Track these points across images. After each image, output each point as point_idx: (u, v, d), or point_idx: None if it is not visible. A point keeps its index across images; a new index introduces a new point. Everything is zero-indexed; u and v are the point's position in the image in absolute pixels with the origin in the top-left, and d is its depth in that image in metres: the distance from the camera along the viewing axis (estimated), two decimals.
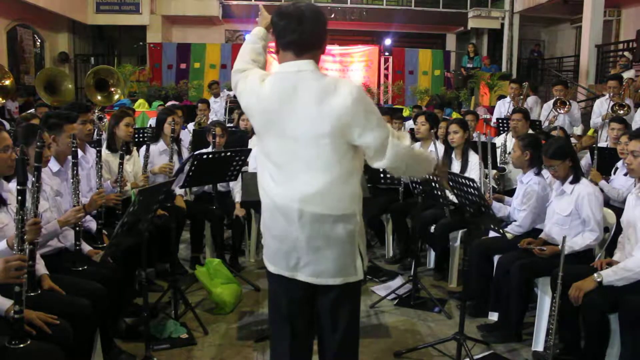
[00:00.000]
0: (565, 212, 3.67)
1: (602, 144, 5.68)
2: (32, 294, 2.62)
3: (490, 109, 11.06)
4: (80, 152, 3.99)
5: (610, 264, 3.27)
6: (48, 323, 2.48)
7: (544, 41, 18.61)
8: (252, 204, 5.06)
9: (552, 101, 7.41)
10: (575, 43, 16.38)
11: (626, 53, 11.76)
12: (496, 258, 3.99)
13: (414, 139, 5.92)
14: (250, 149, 5.02)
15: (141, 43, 15.74)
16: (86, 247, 3.41)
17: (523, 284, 3.63)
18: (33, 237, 2.57)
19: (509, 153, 5.86)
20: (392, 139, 2.11)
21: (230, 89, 13.30)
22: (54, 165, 3.57)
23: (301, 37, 2.10)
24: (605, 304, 3.05)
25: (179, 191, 4.85)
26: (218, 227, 4.93)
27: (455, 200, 3.94)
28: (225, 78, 14.17)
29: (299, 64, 2.11)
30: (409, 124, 8.20)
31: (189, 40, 16.50)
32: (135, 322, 3.72)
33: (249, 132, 6.16)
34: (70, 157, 3.59)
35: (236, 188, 5.11)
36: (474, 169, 4.87)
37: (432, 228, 4.79)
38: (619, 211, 3.94)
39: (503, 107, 8.01)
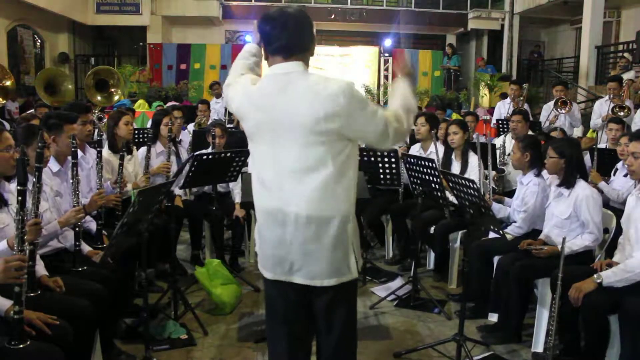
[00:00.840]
0: (564, 215, 3.67)
1: (601, 145, 5.68)
2: (31, 294, 2.62)
3: (491, 110, 11.07)
4: (80, 153, 4.00)
5: (610, 265, 3.27)
6: (48, 323, 2.48)
7: (544, 42, 18.60)
8: (252, 204, 5.06)
9: (552, 102, 7.42)
10: (575, 44, 16.37)
11: (626, 54, 11.76)
12: (496, 259, 3.99)
13: (414, 140, 5.92)
14: None
15: (141, 44, 15.74)
16: (86, 248, 3.41)
17: (523, 285, 3.63)
18: (33, 237, 2.57)
19: (509, 154, 5.86)
20: (391, 123, 2.14)
21: None
22: (54, 165, 3.57)
23: (288, 41, 2.11)
24: (605, 305, 3.05)
25: (178, 191, 4.85)
26: (218, 227, 4.93)
27: (455, 201, 3.94)
28: (225, 79, 14.15)
29: (288, 65, 2.12)
30: None
31: (189, 41, 16.51)
32: (134, 323, 3.72)
33: None
34: (70, 158, 3.59)
35: (236, 189, 5.11)
36: (473, 170, 4.87)
37: (432, 229, 4.80)
38: (618, 212, 3.95)
39: (503, 108, 8.02)
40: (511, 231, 4.08)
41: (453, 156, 5.13)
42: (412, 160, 4.38)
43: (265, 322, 2.47)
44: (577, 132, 7.82)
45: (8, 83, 8.33)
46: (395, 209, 5.35)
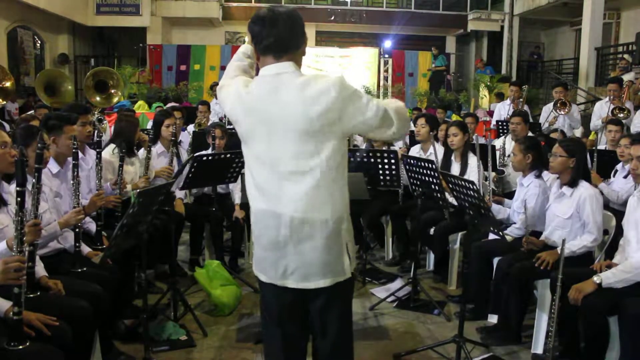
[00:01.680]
0: (566, 215, 3.67)
1: (600, 146, 5.68)
2: (31, 295, 2.63)
3: (490, 112, 11.08)
4: (79, 154, 4.00)
5: (609, 267, 3.27)
6: (47, 324, 2.48)
7: (544, 44, 18.64)
8: None
9: (551, 103, 7.42)
10: (575, 45, 16.40)
11: (626, 56, 11.77)
12: (496, 260, 3.99)
13: (414, 141, 5.93)
14: None
15: (141, 45, 15.76)
16: (85, 249, 3.41)
17: (522, 286, 3.63)
18: (33, 238, 2.57)
19: (509, 155, 5.86)
20: (391, 109, 2.10)
21: None
22: (53, 166, 3.56)
23: (276, 39, 2.09)
24: (605, 306, 3.05)
25: (179, 194, 4.85)
26: (217, 228, 4.93)
27: (455, 203, 3.94)
28: None
29: (278, 66, 2.11)
30: None
31: (189, 42, 16.54)
32: (134, 324, 3.71)
33: None
34: (69, 159, 3.60)
35: (236, 190, 5.11)
36: (473, 171, 4.87)
37: (432, 230, 4.79)
38: (617, 214, 3.95)
39: (503, 110, 8.02)
40: (511, 232, 4.09)
41: (453, 157, 5.13)
42: (411, 161, 4.38)
43: (261, 324, 2.48)
44: (576, 133, 7.81)
45: (8, 84, 8.33)
46: (395, 210, 5.35)
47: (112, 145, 4.47)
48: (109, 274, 3.28)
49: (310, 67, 14.54)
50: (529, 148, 4.12)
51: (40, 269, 2.90)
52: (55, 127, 3.56)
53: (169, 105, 10.15)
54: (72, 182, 3.35)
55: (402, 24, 16.60)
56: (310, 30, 17.29)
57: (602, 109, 7.07)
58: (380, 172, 4.71)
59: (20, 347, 2.29)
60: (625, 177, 4.64)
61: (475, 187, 3.35)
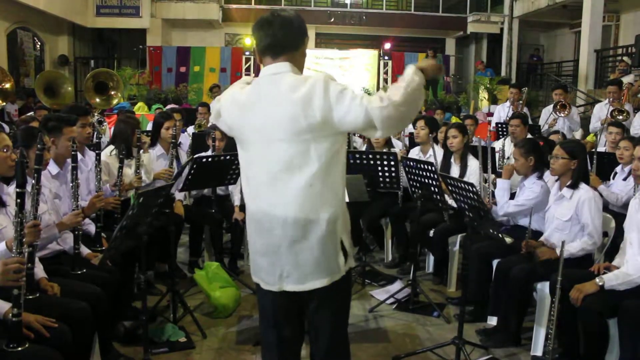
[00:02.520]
0: (565, 217, 3.67)
1: (600, 148, 5.69)
2: (30, 296, 2.62)
3: (490, 114, 11.08)
4: (79, 156, 4.00)
5: (608, 268, 3.27)
6: (46, 326, 2.48)
7: (543, 46, 18.66)
8: None
9: (551, 105, 7.43)
10: (575, 48, 16.43)
11: (625, 58, 11.78)
12: (495, 262, 3.98)
13: (414, 143, 5.93)
14: None
15: (141, 46, 15.78)
16: (85, 251, 3.41)
17: (522, 288, 3.62)
18: (32, 239, 2.57)
19: (508, 157, 5.86)
20: (374, 106, 1.98)
21: None
22: (53, 168, 3.56)
23: (273, 39, 2.13)
24: (605, 308, 3.05)
25: (178, 196, 4.84)
26: (217, 230, 4.92)
27: (455, 205, 3.94)
28: (224, 82, 14.22)
29: (276, 66, 2.15)
30: (408, 127, 8.20)
31: (188, 44, 16.56)
32: (133, 326, 3.70)
33: None
34: (69, 160, 3.60)
35: (235, 191, 5.11)
36: (473, 173, 4.87)
37: (431, 232, 4.79)
38: (617, 216, 3.95)
39: (502, 112, 8.03)
40: (498, 211, 4.16)
41: (452, 159, 5.13)
42: (411, 163, 4.39)
43: (259, 326, 2.49)
44: (576, 135, 7.82)
45: (8, 86, 8.34)
46: (394, 212, 5.34)
47: (111, 147, 4.47)
48: (109, 275, 3.27)
49: (310, 69, 14.55)
50: (529, 151, 4.12)
51: (39, 271, 2.90)
52: (55, 128, 3.56)
53: (169, 107, 10.15)
54: (71, 184, 3.35)
55: (401, 26, 16.62)
56: (310, 32, 17.08)
57: (601, 110, 7.08)
58: (380, 174, 4.71)
59: (20, 348, 2.28)
60: (624, 179, 4.64)
61: (474, 189, 3.35)
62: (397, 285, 4.76)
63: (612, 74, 11.27)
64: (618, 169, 4.81)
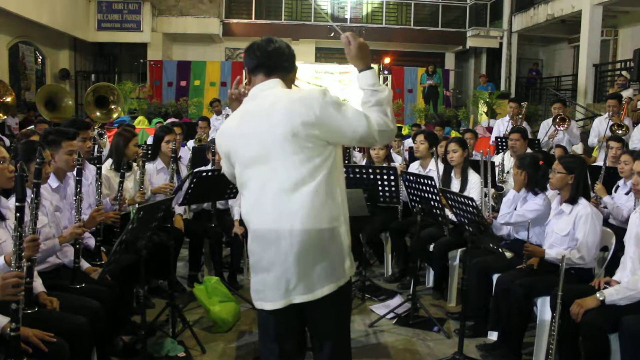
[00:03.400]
0: (564, 232, 3.67)
1: (600, 162, 5.69)
2: (29, 311, 2.61)
3: (489, 128, 11.12)
4: None
5: (608, 283, 3.26)
6: (45, 341, 2.47)
7: (542, 60, 18.74)
8: None
9: (550, 119, 7.45)
10: (573, 62, 16.49)
11: (624, 72, 11.84)
12: (495, 277, 3.97)
13: (413, 157, 5.93)
14: None
15: (142, 60, 15.85)
16: (84, 265, 3.40)
17: (523, 303, 3.61)
18: (31, 253, 2.56)
19: (507, 172, 5.87)
20: (372, 126, 2.12)
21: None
22: (53, 181, 3.57)
23: (260, 59, 2.22)
24: (606, 323, 3.04)
25: (178, 210, 4.84)
26: (217, 244, 4.91)
27: (454, 219, 3.93)
28: (224, 96, 14.22)
29: (267, 83, 2.21)
30: (408, 142, 8.23)
31: (189, 58, 16.63)
32: (132, 340, 3.69)
33: None
34: (69, 174, 3.61)
35: (235, 206, 5.11)
36: (473, 187, 4.87)
37: (431, 247, 4.78)
38: (618, 230, 3.95)
39: (502, 126, 8.05)
40: (499, 219, 4.12)
41: (452, 174, 5.13)
42: (411, 177, 4.39)
43: (258, 340, 2.46)
44: (576, 149, 7.84)
45: (9, 99, 8.37)
46: (394, 226, 5.34)
47: (110, 161, 4.48)
48: (108, 289, 3.26)
49: (310, 83, 14.61)
50: (523, 166, 4.12)
51: (38, 285, 2.89)
52: (54, 142, 3.56)
53: (169, 120, 10.19)
54: (74, 197, 3.36)
55: (401, 41, 16.70)
56: (309, 47, 17.41)
57: (601, 124, 7.10)
58: (380, 188, 4.71)
59: None
60: (626, 193, 4.65)
61: (474, 203, 3.35)
62: (397, 299, 4.74)
63: (611, 88, 11.31)
64: (620, 182, 4.81)
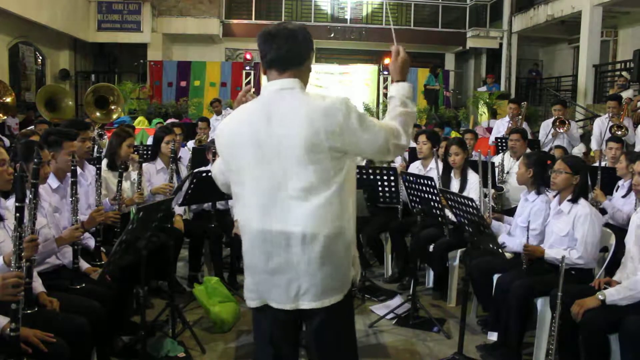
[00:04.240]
0: (563, 232, 3.66)
1: (597, 163, 5.68)
2: (28, 311, 2.61)
3: (489, 128, 11.11)
4: (78, 170, 4.00)
5: (609, 284, 3.26)
6: (45, 341, 2.47)
7: (542, 61, 18.75)
8: None
9: (550, 120, 7.45)
10: (573, 63, 16.50)
11: (624, 73, 11.84)
12: (495, 277, 3.97)
13: (413, 157, 5.93)
14: None
15: (142, 61, 15.84)
16: (84, 265, 3.40)
17: (523, 303, 3.61)
18: (30, 253, 2.56)
19: (507, 172, 5.87)
20: (390, 140, 2.14)
21: (231, 107, 13.40)
22: (53, 181, 3.57)
23: (277, 53, 2.11)
24: (606, 323, 3.04)
25: (178, 210, 4.84)
26: (217, 245, 4.91)
27: (454, 219, 3.93)
28: (224, 96, 14.28)
29: (282, 82, 2.12)
30: None
31: (189, 58, 16.63)
32: (132, 341, 3.69)
33: None
34: (69, 174, 3.60)
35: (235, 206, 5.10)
36: (473, 188, 4.87)
37: (431, 247, 4.78)
38: (617, 230, 3.95)
39: (502, 127, 8.05)
40: (508, 243, 4.07)
41: (452, 174, 5.13)
42: (411, 178, 4.39)
43: (254, 344, 2.42)
44: (576, 150, 7.84)
45: (9, 100, 8.37)
46: (394, 227, 5.34)
47: (106, 160, 4.50)
48: (107, 290, 3.27)
49: (311, 84, 14.54)
50: (532, 164, 4.10)
51: (38, 285, 2.89)
52: (55, 142, 3.57)
53: (169, 121, 10.19)
54: (71, 198, 3.35)
55: (401, 41, 16.64)
56: None
57: (602, 125, 7.11)
58: (380, 188, 4.71)
59: None
60: (623, 196, 4.65)
61: (474, 204, 3.34)
62: (397, 300, 4.74)
63: (611, 89, 11.31)
64: (620, 182, 4.81)
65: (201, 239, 5.00)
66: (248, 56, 14.91)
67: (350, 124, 2.04)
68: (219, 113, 11.33)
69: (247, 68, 14.82)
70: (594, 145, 7.33)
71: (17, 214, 2.32)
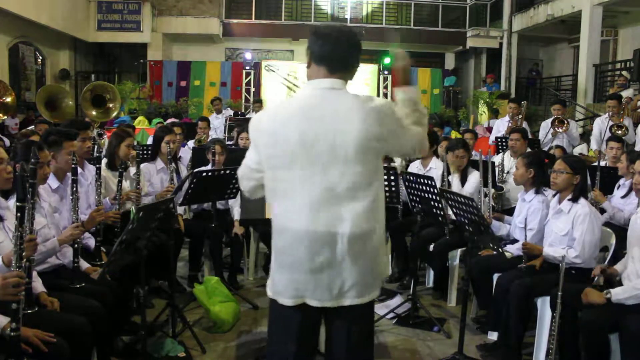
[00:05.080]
0: (563, 232, 3.66)
1: (601, 163, 5.68)
2: (29, 311, 2.61)
3: (489, 128, 11.12)
4: (78, 169, 4.00)
5: (604, 271, 3.29)
6: (45, 341, 2.47)
7: (542, 60, 18.75)
8: (251, 221, 5.06)
9: (550, 119, 7.45)
10: (573, 62, 16.50)
11: (624, 72, 11.84)
12: (495, 277, 3.97)
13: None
14: None
15: (142, 60, 15.85)
16: (84, 265, 3.40)
17: (523, 303, 3.60)
18: (30, 253, 2.56)
19: (507, 172, 5.87)
20: (420, 135, 2.27)
21: (232, 107, 13.41)
22: (53, 182, 3.57)
23: (336, 54, 2.14)
24: (606, 323, 3.04)
25: (178, 210, 4.84)
26: (217, 245, 4.91)
27: (454, 219, 3.93)
28: (224, 96, 14.28)
29: (332, 81, 2.14)
30: None
31: (189, 58, 16.64)
32: (132, 341, 3.69)
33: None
34: (69, 174, 3.60)
35: (235, 206, 5.11)
36: (473, 186, 4.87)
37: (431, 247, 4.78)
38: (617, 230, 3.95)
39: (502, 126, 8.05)
40: (510, 249, 4.06)
41: (452, 173, 5.13)
42: (411, 177, 4.39)
43: (270, 342, 2.37)
44: (579, 149, 7.84)
45: (9, 100, 8.37)
46: (394, 226, 5.33)
47: (105, 160, 4.50)
48: (108, 290, 3.26)
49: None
50: (531, 163, 4.12)
51: (38, 285, 2.89)
52: (55, 142, 3.57)
53: (169, 121, 10.19)
54: (71, 197, 3.35)
55: (401, 41, 16.68)
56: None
57: (602, 124, 7.11)
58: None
59: None
60: (624, 196, 4.64)
61: (474, 203, 3.34)
62: (397, 300, 4.74)
63: (610, 89, 11.31)
64: (621, 181, 4.81)
65: (201, 239, 5.00)
66: (248, 56, 14.93)
67: (395, 127, 2.15)
68: (219, 111, 11.35)
69: (247, 68, 14.84)
70: (593, 145, 7.33)
71: (18, 214, 2.32)
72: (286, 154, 2.12)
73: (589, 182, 5.01)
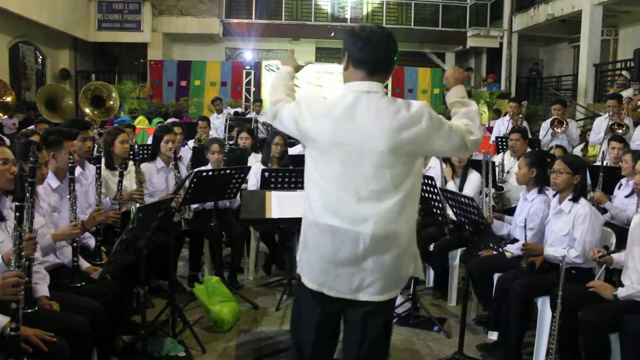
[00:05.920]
0: (563, 232, 3.66)
1: (599, 163, 5.67)
2: (29, 310, 2.61)
3: (489, 128, 11.10)
4: (79, 169, 4.00)
5: (601, 252, 3.32)
6: (45, 341, 2.47)
7: (543, 60, 18.74)
8: (252, 221, 5.05)
9: (549, 120, 7.45)
10: (573, 62, 16.50)
11: (624, 72, 11.84)
12: (496, 276, 3.97)
13: None
14: (250, 167, 5.03)
15: (142, 60, 15.85)
16: (84, 264, 3.40)
17: (523, 303, 3.60)
18: (29, 252, 2.55)
19: (508, 172, 5.87)
20: (465, 136, 2.22)
21: (232, 107, 13.41)
22: (53, 181, 3.57)
23: (377, 57, 2.15)
24: (606, 323, 3.04)
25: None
26: (217, 244, 4.91)
27: (455, 218, 3.93)
28: (225, 96, 14.27)
29: (370, 85, 2.16)
30: None
31: (189, 58, 16.63)
32: (132, 340, 3.69)
33: (249, 150, 6.18)
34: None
35: (235, 205, 5.10)
36: (473, 186, 4.86)
37: (432, 247, 4.78)
38: (618, 230, 3.94)
39: (502, 126, 8.04)
40: (510, 249, 4.06)
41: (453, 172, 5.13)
42: None
43: (294, 318, 2.47)
44: (577, 150, 7.84)
45: (9, 99, 8.37)
46: None
47: (104, 160, 4.50)
48: (108, 289, 3.26)
49: (311, 83, 14.60)
50: (534, 163, 4.12)
51: (41, 289, 2.88)
52: (55, 142, 3.57)
53: (169, 120, 10.18)
54: (68, 196, 3.34)
55: (401, 41, 16.68)
56: (310, 47, 17.43)
57: (601, 124, 7.10)
58: None
59: None
60: (627, 196, 4.63)
61: (474, 203, 3.34)
62: (397, 299, 4.72)
63: (611, 88, 11.31)
64: (623, 181, 4.79)
65: (201, 238, 5.00)
66: (248, 56, 14.93)
67: (431, 131, 2.13)
68: (219, 111, 11.36)
69: (247, 67, 14.83)
70: (591, 142, 7.32)
71: (17, 214, 2.32)
72: (319, 150, 2.19)
73: (589, 181, 5.03)
